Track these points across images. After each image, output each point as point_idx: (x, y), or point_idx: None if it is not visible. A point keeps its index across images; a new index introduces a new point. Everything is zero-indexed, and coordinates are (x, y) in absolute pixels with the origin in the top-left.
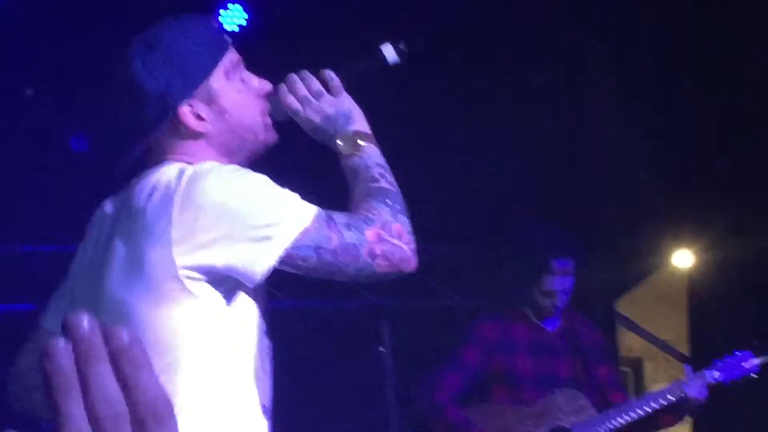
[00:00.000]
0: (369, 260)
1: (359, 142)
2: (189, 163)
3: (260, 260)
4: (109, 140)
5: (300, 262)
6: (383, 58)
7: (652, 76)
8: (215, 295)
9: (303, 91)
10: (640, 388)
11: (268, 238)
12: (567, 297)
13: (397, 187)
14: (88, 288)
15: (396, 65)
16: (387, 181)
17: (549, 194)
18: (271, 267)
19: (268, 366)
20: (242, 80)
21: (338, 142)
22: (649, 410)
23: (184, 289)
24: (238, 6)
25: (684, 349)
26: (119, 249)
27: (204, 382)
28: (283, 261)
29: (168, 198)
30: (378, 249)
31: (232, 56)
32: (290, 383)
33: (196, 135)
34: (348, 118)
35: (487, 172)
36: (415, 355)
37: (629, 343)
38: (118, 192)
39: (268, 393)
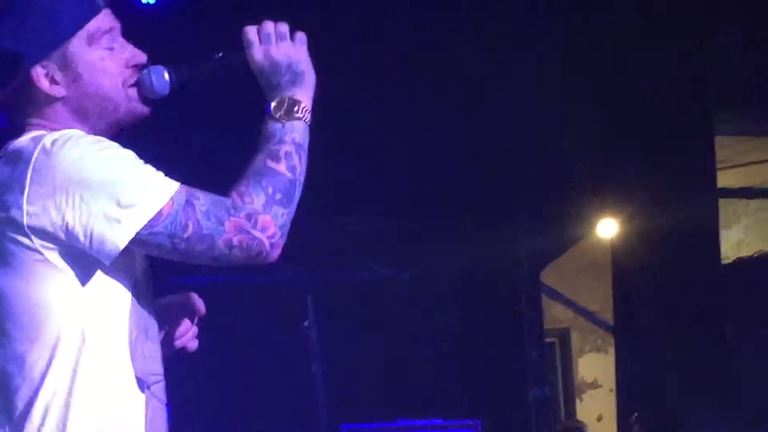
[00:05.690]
0: (225, 250)
1: (292, 110)
2: (48, 129)
3: (108, 242)
4: None
5: (154, 247)
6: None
7: (575, 49)
8: (78, 266)
9: (269, 28)
10: (566, 359)
11: (117, 220)
12: None
13: (298, 174)
14: None
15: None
16: (288, 164)
17: (473, 167)
18: (119, 250)
19: (150, 337)
20: (109, 48)
21: (273, 100)
22: None
23: (45, 260)
24: None
25: (609, 319)
26: None
27: (75, 357)
28: (136, 243)
29: (22, 167)
30: (236, 240)
31: (101, 22)
32: (214, 358)
33: (51, 99)
34: (295, 78)
35: (410, 145)
36: (340, 329)
37: (555, 313)
38: None
39: (151, 365)
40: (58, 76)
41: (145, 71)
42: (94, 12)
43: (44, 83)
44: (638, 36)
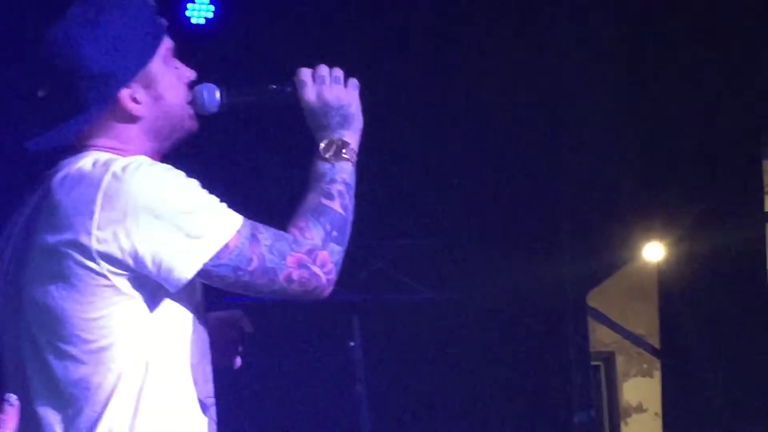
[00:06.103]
0: (284, 285)
1: (341, 152)
2: (116, 150)
3: (176, 272)
4: (36, 124)
5: (216, 279)
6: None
7: (624, 73)
8: (144, 291)
9: (324, 71)
10: (611, 382)
11: (186, 251)
12: None
13: (349, 211)
14: (11, 291)
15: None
16: (342, 203)
17: (519, 189)
18: (187, 280)
19: (208, 360)
20: (176, 67)
21: (322, 141)
22: None
23: (112, 285)
24: None
25: (655, 342)
26: (38, 246)
27: (141, 381)
28: (201, 274)
29: (92, 192)
30: (295, 275)
31: (167, 41)
32: (259, 377)
33: (128, 119)
34: (344, 120)
35: (458, 167)
36: (385, 350)
37: (601, 336)
38: (37, 183)
39: (209, 387)
40: (141, 96)
41: (197, 87)
42: (164, 30)
43: (129, 104)
44: (684, 58)
